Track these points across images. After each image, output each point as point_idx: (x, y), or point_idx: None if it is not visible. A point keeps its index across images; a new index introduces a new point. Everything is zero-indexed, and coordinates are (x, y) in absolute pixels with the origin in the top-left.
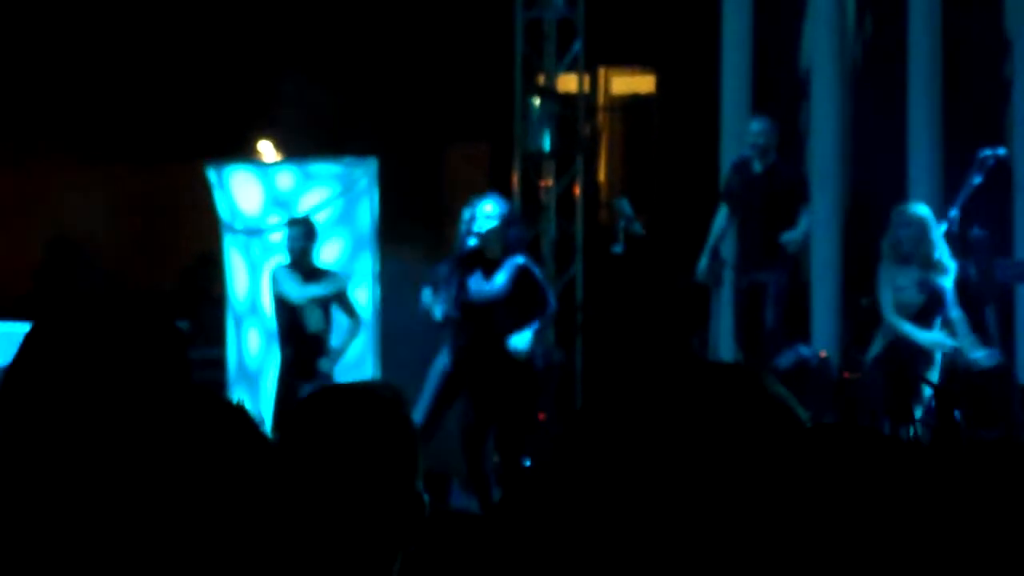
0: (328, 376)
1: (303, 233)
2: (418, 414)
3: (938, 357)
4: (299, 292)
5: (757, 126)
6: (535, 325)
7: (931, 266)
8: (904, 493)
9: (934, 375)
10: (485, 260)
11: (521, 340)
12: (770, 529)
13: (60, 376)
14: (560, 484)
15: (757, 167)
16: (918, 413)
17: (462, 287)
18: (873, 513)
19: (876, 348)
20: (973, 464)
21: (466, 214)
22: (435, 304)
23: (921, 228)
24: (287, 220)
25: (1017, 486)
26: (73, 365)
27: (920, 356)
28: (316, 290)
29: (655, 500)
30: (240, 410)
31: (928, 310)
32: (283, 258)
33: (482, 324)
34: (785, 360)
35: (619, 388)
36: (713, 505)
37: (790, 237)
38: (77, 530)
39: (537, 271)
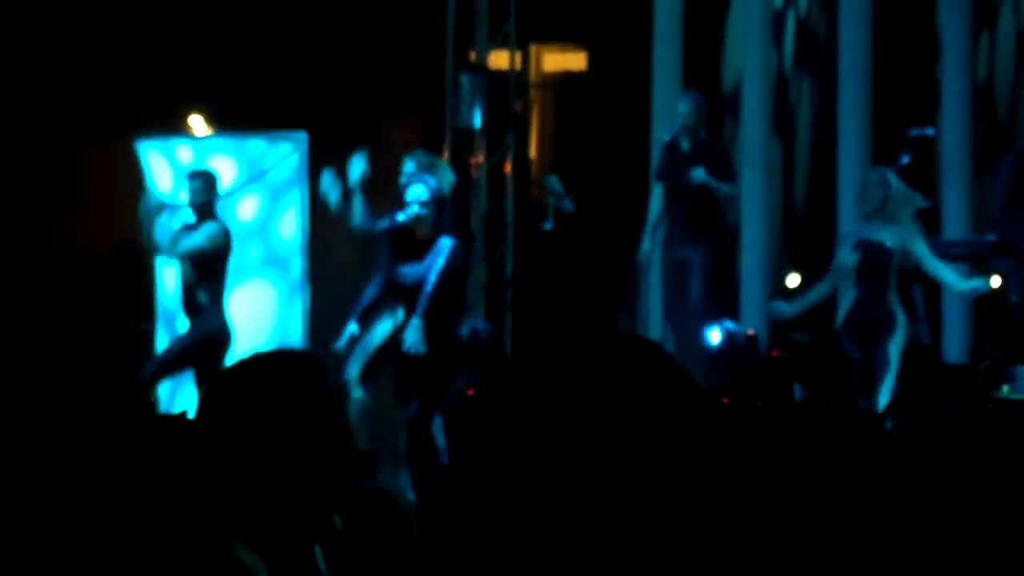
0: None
1: (204, 186)
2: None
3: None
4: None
5: (684, 106)
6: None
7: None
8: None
9: (897, 342)
10: (414, 241)
11: (410, 334)
12: (664, 489)
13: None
14: (467, 460)
15: (685, 145)
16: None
17: (394, 267)
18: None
19: (841, 313)
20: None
21: (403, 179)
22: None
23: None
24: (188, 172)
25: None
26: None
27: (882, 322)
28: (187, 242)
29: (558, 465)
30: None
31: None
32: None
33: (410, 305)
34: (712, 338)
35: (519, 360)
36: (614, 470)
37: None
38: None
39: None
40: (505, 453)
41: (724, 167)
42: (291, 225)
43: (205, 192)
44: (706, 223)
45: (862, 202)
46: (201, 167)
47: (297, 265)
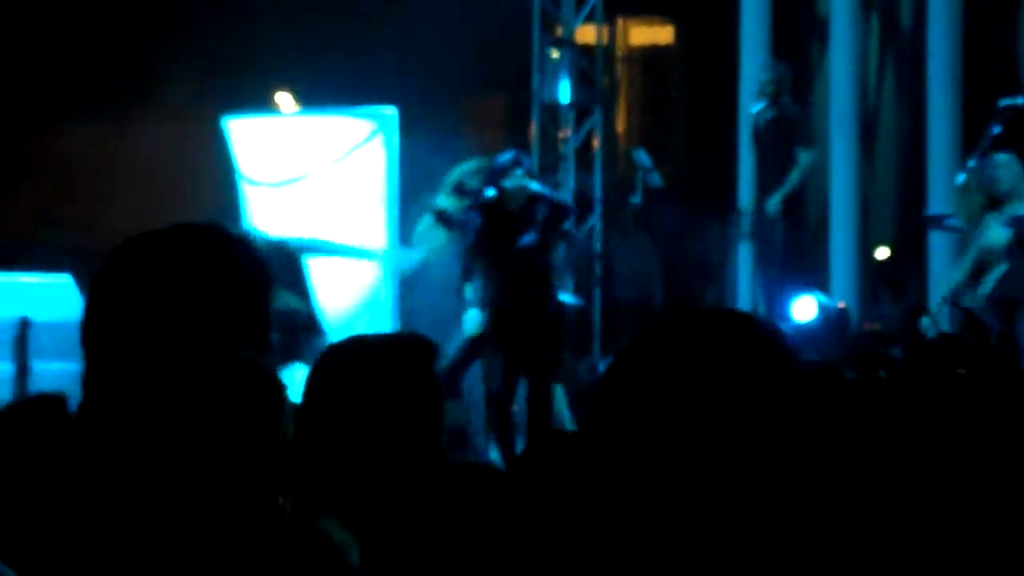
0: None
1: None
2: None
3: None
4: None
5: (767, 74)
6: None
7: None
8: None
9: None
10: (505, 214)
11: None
12: (770, 461)
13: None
14: (591, 439)
15: (769, 114)
16: None
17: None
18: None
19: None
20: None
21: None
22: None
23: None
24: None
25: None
26: (162, 295)
27: None
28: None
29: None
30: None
31: None
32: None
33: (515, 278)
34: (804, 311)
35: (651, 337)
36: (724, 445)
37: (771, 199)
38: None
39: (540, 187)
40: (637, 427)
41: (795, 133)
42: (380, 200)
43: None
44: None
45: (993, 185)
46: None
47: (387, 239)
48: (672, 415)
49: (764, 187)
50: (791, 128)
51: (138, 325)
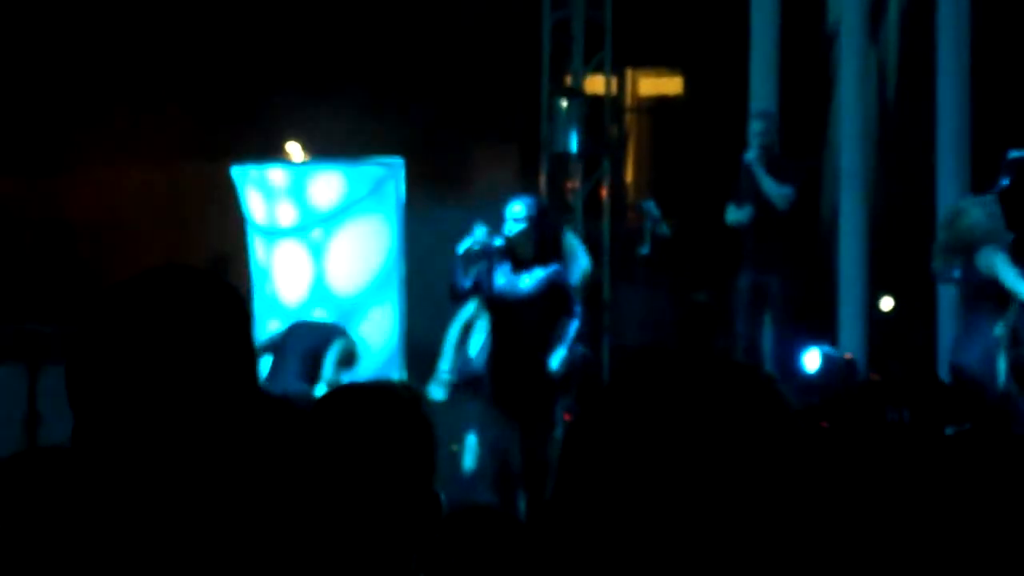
0: None
1: None
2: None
3: None
4: None
5: (758, 125)
6: (565, 344)
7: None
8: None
9: None
10: (517, 260)
11: (555, 360)
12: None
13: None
14: (574, 482)
15: (761, 164)
16: None
17: (489, 277)
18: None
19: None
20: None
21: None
22: (459, 275)
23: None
24: None
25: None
26: (139, 339)
27: None
28: None
29: (664, 490)
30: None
31: None
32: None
33: (509, 325)
34: (810, 364)
35: (619, 386)
36: (718, 496)
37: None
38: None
39: (569, 281)
40: (607, 478)
41: (796, 182)
42: (387, 250)
43: None
44: (785, 248)
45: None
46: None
47: (393, 291)
48: (638, 463)
49: (751, 239)
50: (779, 173)
51: (123, 372)
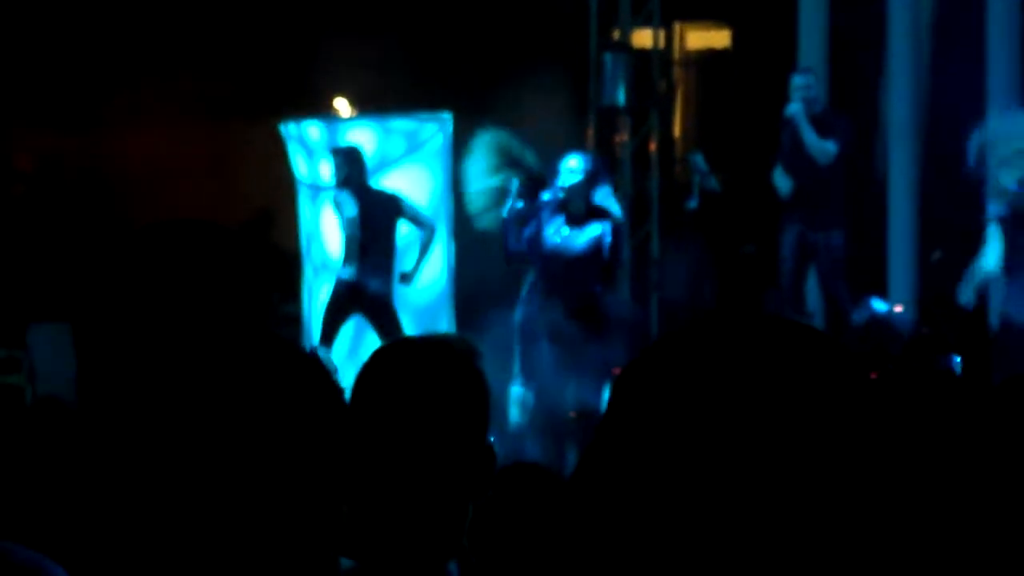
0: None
1: (345, 161)
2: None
3: None
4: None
5: (801, 80)
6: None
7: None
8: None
9: None
10: (570, 216)
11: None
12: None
13: (141, 304)
14: (616, 443)
15: (805, 120)
16: None
17: (539, 233)
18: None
19: None
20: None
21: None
22: (511, 238)
23: None
24: (331, 149)
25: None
26: (155, 292)
27: None
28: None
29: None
30: (315, 360)
31: None
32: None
33: (562, 280)
34: (858, 316)
35: (669, 342)
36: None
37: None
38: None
39: (616, 237)
40: (651, 437)
41: (841, 137)
42: (437, 205)
43: (348, 167)
44: (833, 204)
45: None
46: (343, 145)
47: (442, 246)
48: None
49: (801, 196)
50: (824, 133)
51: (140, 317)
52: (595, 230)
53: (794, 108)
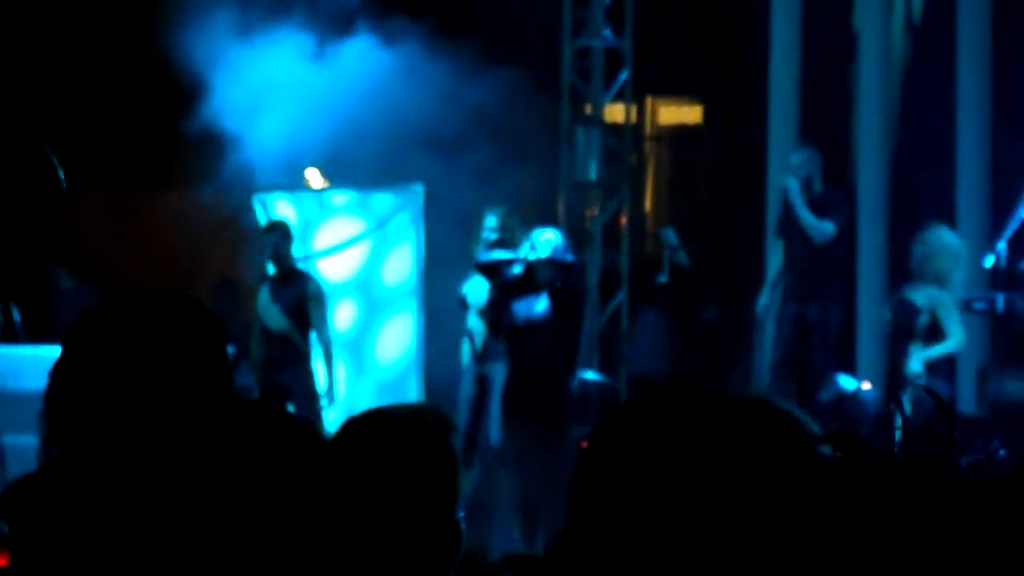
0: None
1: (280, 238)
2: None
3: None
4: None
5: (798, 158)
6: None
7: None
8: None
9: None
10: (533, 286)
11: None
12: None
13: (107, 377)
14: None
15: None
16: None
17: (506, 309)
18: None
19: None
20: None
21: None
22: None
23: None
24: (265, 225)
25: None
26: (117, 366)
27: None
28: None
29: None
30: (306, 425)
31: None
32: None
33: (523, 348)
34: (825, 394)
35: (629, 415)
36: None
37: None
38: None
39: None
40: (619, 506)
41: (837, 215)
42: (406, 275)
43: (283, 243)
44: (828, 279)
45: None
46: (280, 219)
47: (413, 313)
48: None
49: (793, 270)
50: (823, 212)
51: (107, 390)
52: (545, 298)
53: (789, 184)
